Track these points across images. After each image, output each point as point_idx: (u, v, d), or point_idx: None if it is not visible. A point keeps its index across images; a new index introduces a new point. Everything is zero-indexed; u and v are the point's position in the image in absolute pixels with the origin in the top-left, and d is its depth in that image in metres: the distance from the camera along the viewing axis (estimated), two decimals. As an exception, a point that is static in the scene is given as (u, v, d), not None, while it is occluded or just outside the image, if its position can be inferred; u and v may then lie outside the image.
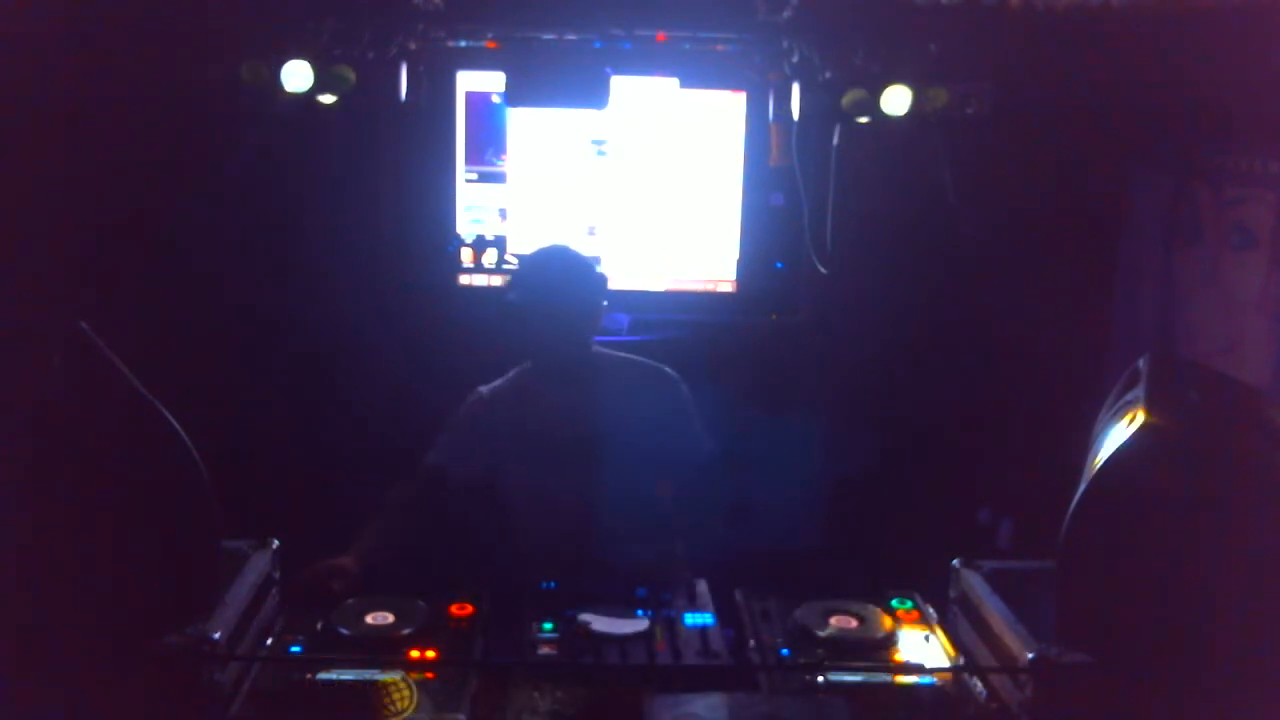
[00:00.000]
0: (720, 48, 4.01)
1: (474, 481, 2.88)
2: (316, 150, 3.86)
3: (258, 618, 2.15)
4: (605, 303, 2.90)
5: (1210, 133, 3.65)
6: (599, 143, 4.14)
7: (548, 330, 2.81)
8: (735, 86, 4.14)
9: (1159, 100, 3.64)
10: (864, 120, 3.69)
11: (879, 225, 4.05)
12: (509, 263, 4.19)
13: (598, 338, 2.96)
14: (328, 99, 3.55)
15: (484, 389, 2.98)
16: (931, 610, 2.34)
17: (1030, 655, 1.89)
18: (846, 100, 3.61)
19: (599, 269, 2.92)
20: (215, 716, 1.88)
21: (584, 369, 2.90)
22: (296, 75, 3.46)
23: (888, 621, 2.24)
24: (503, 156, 4.16)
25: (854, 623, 2.23)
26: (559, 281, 2.82)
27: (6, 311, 3.04)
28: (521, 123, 4.14)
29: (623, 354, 3.02)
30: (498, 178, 4.18)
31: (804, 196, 4.05)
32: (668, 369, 2.99)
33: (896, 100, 3.59)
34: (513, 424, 2.88)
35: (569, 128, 4.14)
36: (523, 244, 4.18)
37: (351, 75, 3.50)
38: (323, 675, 2.00)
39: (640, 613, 2.30)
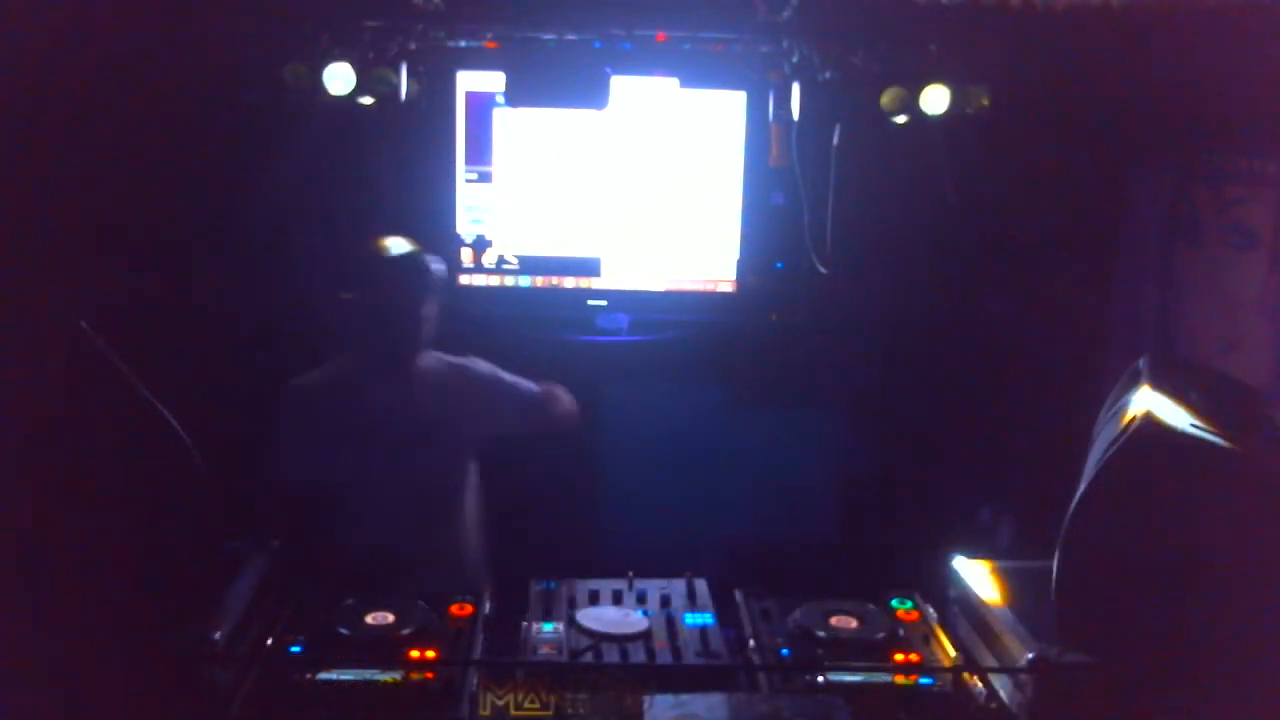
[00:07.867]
0: (720, 48, 4.01)
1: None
2: (317, 150, 3.86)
3: (258, 618, 2.15)
4: (433, 305, 2.91)
5: (1210, 133, 3.64)
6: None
7: (376, 326, 2.87)
8: (735, 86, 4.13)
9: (1159, 100, 3.64)
10: (902, 120, 3.68)
11: (879, 225, 4.04)
12: (508, 263, 4.20)
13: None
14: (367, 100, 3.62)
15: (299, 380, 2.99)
16: (931, 610, 2.34)
17: (1030, 655, 1.89)
18: (885, 99, 3.60)
19: (434, 270, 2.94)
20: (215, 716, 1.88)
21: (407, 368, 2.91)
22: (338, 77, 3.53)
23: (888, 621, 2.25)
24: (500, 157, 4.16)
25: (854, 623, 2.24)
26: (390, 281, 2.88)
27: (6, 311, 3.03)
28: (518, 123, 4.14)
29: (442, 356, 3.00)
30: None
31: (804, 196, 4.04)
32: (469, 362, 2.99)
33: (936, 99, 3.58)
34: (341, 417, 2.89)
35: (567, 127, 4.14)
36: (520, 246, 4.19)
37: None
38: (323, 675, 2.00)
39: (640, 613, 2.30)
